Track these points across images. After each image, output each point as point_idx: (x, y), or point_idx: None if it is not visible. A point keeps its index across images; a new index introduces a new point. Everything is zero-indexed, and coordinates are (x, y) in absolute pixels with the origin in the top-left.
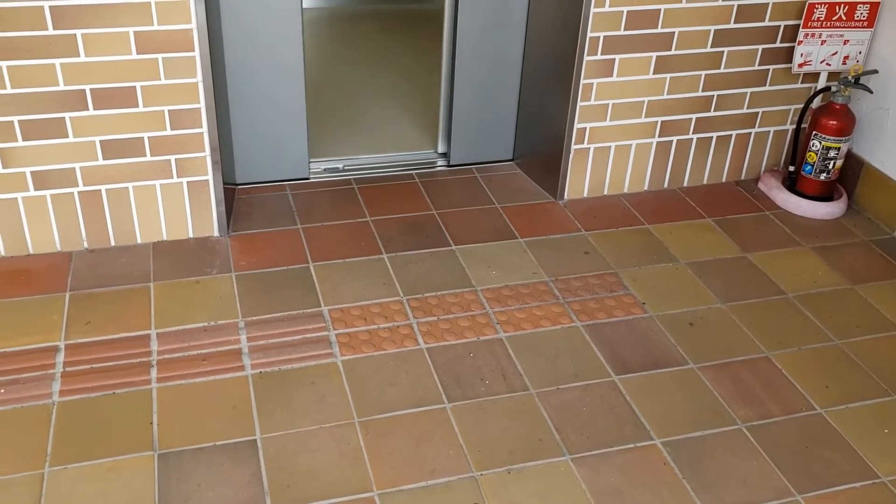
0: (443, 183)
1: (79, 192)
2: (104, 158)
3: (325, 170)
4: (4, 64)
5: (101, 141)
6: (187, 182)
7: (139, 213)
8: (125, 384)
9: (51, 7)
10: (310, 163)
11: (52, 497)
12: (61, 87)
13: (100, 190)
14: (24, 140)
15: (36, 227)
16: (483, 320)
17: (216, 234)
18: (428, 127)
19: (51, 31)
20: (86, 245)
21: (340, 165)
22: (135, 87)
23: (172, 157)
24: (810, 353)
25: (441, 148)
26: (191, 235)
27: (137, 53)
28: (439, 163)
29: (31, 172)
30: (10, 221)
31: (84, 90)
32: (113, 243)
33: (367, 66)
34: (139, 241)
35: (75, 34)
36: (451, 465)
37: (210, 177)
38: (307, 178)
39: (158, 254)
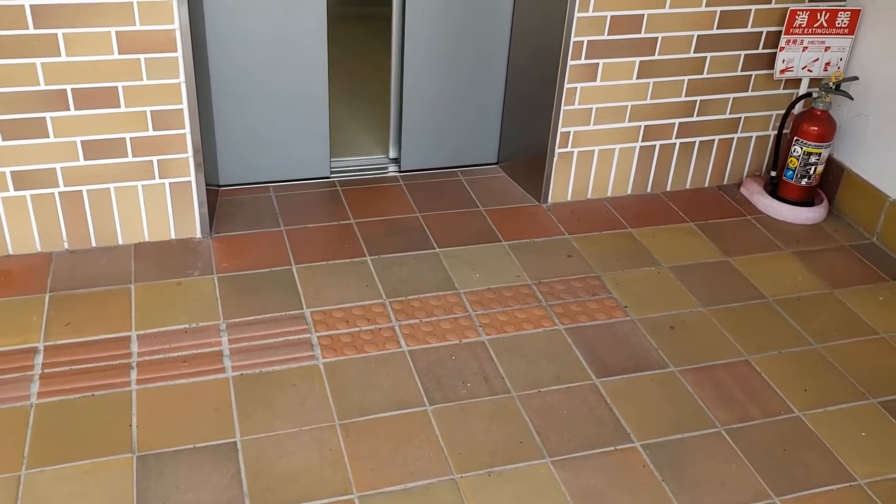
0: (427, 185)
1: (59, 193)
2: (85, 159)
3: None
4: None
5: (82, 141)
6: (169, 183)
7: (121, 214)
8: (105, 386)
9: (31, 6)
10: (331, 161)
11: (29, 499)
12: (42, 87)
13: (81, 190)
14: (4, 140)
15: (16, 228)
16: (465, 323)
17: (198, 235)
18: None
19: (31, 31)
20: (66, 246)
21: None
22: (116, 87)
23: (154, 158)
24: (789, 357)
25: (392, 153)
26: (173, 237)
27: (119, 53)
28: (391, 168)
29: (12, 172)
30: None
31: (65, 90)
32: (94, 244)
33: (353, 69)
34: (120, 242)
35: (56, 33)
36: (432, 468)
37: (192, 178)
38: (328, 177)
39: (140, 255)
